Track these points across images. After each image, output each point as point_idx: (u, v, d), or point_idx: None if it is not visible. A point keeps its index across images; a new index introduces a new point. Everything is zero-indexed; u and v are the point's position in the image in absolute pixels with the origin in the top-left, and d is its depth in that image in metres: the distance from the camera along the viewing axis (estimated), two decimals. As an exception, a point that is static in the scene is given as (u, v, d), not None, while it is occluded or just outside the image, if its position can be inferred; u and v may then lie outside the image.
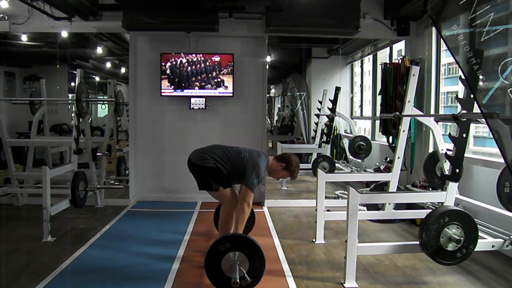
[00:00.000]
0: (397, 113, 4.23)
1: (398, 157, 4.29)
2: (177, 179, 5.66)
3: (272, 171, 3.40)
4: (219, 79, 5.55)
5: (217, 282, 2.85)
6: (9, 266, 3.38)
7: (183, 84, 5.56)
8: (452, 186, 3.44)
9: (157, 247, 3.89)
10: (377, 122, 6.60)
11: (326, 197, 4.12)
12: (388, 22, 5.61)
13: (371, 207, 4.39)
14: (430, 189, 4.63)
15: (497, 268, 3.48)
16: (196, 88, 5.54)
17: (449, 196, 3.45)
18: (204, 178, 3.30)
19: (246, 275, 2.80)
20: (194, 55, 5.56)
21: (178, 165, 5.65)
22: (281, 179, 6.61)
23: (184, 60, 5.54)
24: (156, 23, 5.05)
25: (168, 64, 5.53)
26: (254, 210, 3.95)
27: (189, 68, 5.55)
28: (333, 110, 6.60)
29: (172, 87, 5.56)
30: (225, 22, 5.32)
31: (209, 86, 5.53)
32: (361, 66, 7.40)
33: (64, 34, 5.82)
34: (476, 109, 3.15)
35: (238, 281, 2.72)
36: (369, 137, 6.66)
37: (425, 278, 3.26)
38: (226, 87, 5.56)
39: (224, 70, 5.54)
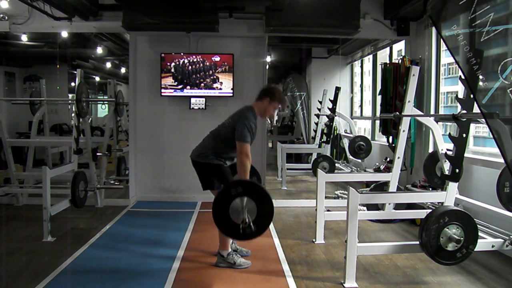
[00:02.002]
0: (397, 113, 4.22)
1: (398, 157, 4.29)
2: (177, 179, 5.67)
3: (262, 112, 3.35)
4: (214, 76, 5.61)
5: (223, 226, 2.83)
6: (9, 266, 3.37)
7: (185, 81, 5.60)
8: (452, 186, 3.44)
9: (157, 247, 3.89)
10: (377, 122, 6.60)
11: (326, 197, 4.11)
12: (388, 22, 5.60)
13: (371, 207, 4.39)
14: (430, 189, 4.63)
15: (497, 268, 3.48)
16: (202, 85, 5.61)
17: (449, 196, 3.45)
18: (208, 176, 3.35)
19: (251, 224, 2.75)
20: (194, 55, 5.58)
21: (178, 165, 5.67)
22: (282, 180, 6.72)
23: (186, 61, 5.58)
24: (156, 23, 5.05)
25: (173, 64, 5.57)
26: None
27: (190, 67, 5.58)
28: (333, 110, 6.60)
29: (176, 83, 5.59)
30: (225, 22, 5.32)
31: (206, 82, 5.60)
32: (361, 66, 7.40)
33: (64, 34, 5.82)
34: (476, 109, 3.15)
35: (247, 220, 2.69)
36: (369, 137, 6.66)
37: (425, 278, 3.26)
38: (221, 83, 5.62)
39: (219, 68, 5.60)
